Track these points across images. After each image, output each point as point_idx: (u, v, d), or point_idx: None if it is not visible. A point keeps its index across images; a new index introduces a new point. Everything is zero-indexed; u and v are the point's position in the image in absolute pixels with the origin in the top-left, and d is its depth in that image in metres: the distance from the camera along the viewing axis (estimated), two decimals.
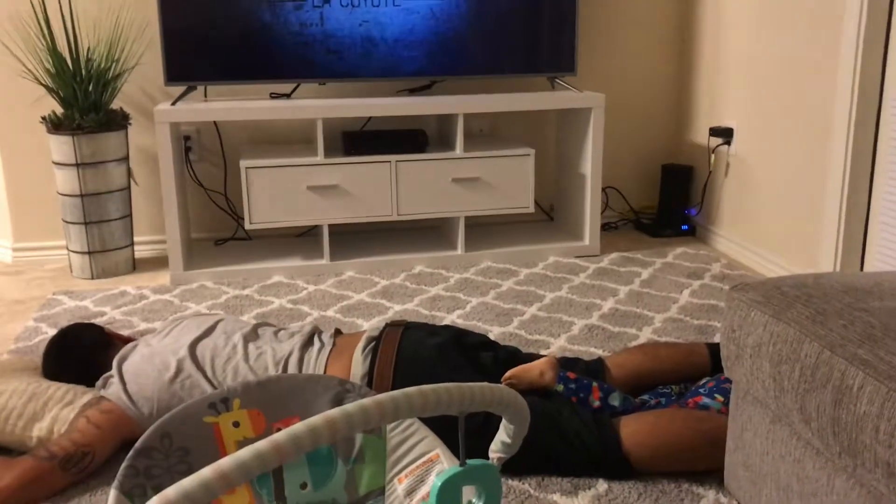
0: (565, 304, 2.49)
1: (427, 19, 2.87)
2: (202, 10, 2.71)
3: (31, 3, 2.82)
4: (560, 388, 1.63)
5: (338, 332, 1.76)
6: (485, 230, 3.26)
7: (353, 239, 3.16)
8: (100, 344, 1.80)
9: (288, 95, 3.01)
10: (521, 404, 0.80)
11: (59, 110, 2.78)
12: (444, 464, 1.10)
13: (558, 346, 2.18)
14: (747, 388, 1.26)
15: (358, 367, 1.59)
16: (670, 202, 3.31)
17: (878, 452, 0.96)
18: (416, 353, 1.60)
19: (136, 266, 2.96)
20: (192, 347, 1.64)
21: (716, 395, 1.60)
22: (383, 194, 2.83)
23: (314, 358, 1.62)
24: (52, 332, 2.29)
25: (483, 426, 1.48)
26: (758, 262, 2.85)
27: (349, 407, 0.68)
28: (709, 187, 3.21)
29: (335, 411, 0.67)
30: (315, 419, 0.66)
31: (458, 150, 2.87)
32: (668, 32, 3.38)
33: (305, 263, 2.85)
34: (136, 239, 3.03)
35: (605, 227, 3.40)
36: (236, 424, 1.10)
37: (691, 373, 1.78)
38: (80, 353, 1.79)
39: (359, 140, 2.85)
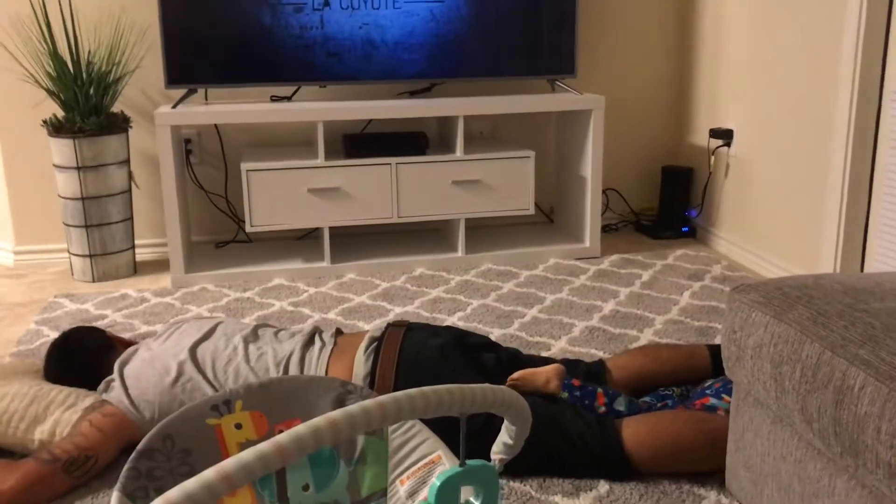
0: (566, 306, 2.50)
1: (427, 22, 2.88)
2: (203, 13, 2.72)
3: (32, 6, 2.82)
4: (565, 395, 1.63)
5: (339, 332, 1.76)
6: (485, 232, 3.26)
7: (354, 241, 3.16)
8: (102, 347, 1.81)
9: (288, 98, 3.02)
10: (523, 406, 0.80)
11: (60, 113, 2.78)
12: (446, 465, 1.10)
13: (559, 347, 2.18)
14: (748, 389, 1.26)
15: (360, 367, 1.59)
16: (670, 204, 3.31)
17: (879, 453, 0.96)
18: (419, 353, 1.61)
19: (137, 269, 2.96)
20: (193, 350, 1.65)
21: (723, 396, 1.60)
22: (384, 197, 2.84)
23: (315, 357, 1.62)
24: (54, 335, 2.29)
25: (485, 427, 1.48)
26: (758, 263, 2.86)
27: (352, 408, 0.68)
28: (709, 189, 3.21)
29: (338, 412, 0.67)
30: (317, 420, 0.66)
31: (459, 152, 2.87)
32: (667, 34, 3.38)
33: (306, 266, 2.85)
34: (137, 242, 3.04)
35: (606, 229, 3.40)
36: (238, 426, 1.10)
37: (692, 375, 1.78)
38: (81, 356, 1.79)
39: (359, 142, 2.85)
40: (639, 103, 3.43)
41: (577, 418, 1.53)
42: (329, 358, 1.62)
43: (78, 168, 2.72)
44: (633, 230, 3.43)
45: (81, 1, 2.90)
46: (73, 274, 2.87)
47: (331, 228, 2.99)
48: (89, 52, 2.84)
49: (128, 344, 1.87)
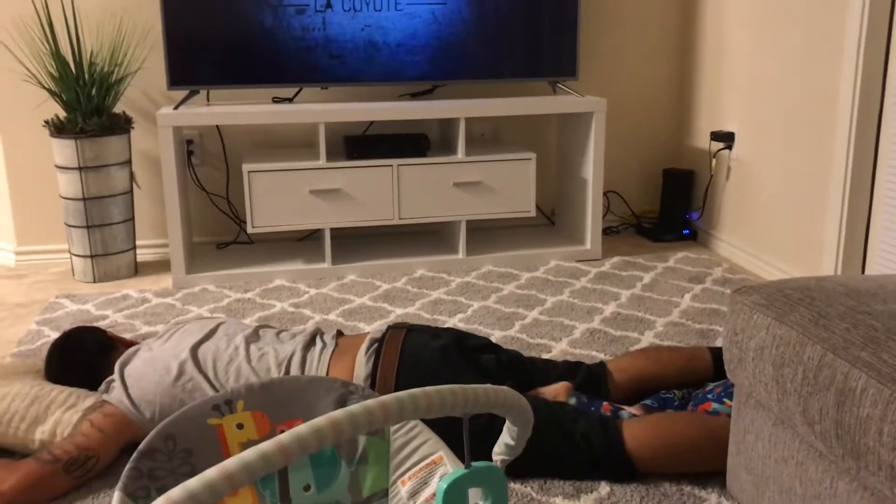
0: (567, 308, 2.49)
1: (429, 24, 2.88)
2: (205, 14, 2.72)
3: (35, 7, 2.83)
4: (573, 401, 1.63)
5: (340, 334, 1.76)
6: (486, 234, 3.26)
7: (355, 243, 3.16)
8: (103, 347, 1.81)
9: (290, 100, 3.02)
10: (525, 406, 0.80)
11: (62, 114, 2.79)
12: (448, 466, 1.10)
13: (560, 349, 2.18)
14: (750, 391, 1.26)
15: (361, 368, 1.59)
16: (672, 206, 3.31)
17: (881, 455, 0.96)
18: (420, 355, 1.61)
19: (138, 269, 2.96)
20: (194, 350, 1.65)
21: (724, 400, 1.60)
22: (385, 198, 2.84)
23: (317, 358, 1.62)
24: (55, 335, 2.29)
25: (486, 428, 1.48)
26: (759, 266, 2.85)
27: (354, 408, 0.68)
28: (710, 192, 3.21)
29: (339, 412, 0.67)
30: (319, 420, 0.66)
31: (460, 154, 2.87)
32: (669, 37, 3.39)
33: (307, 267, 2.85)
34: (138, 242, 3.04)
35: (607, 232, 3.40)
36: (240, 426, 1.10)
37: (694, 377, 1.78)
38: (83, 356, 1.79)
39: (361, 144, 2.85)
40: (640, 106, 3.43)
41: (579, 418, 1.53)
42: (330, 359, 1.63)
43: (80, 169, 2.72)
44: (634, 233, 3.43)
45: (84, 1, 2.91)
46: (74, 274, 2.87)
47: (332, 230, 2.99)
48: (91, 52, 2.85)
49: (129, 344, 1.87)
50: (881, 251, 2.34)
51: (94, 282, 2.83)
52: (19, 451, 1.63)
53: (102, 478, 1.56)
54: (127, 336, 2.28)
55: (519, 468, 1.52)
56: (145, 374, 1.62)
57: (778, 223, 2.76)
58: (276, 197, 2.76)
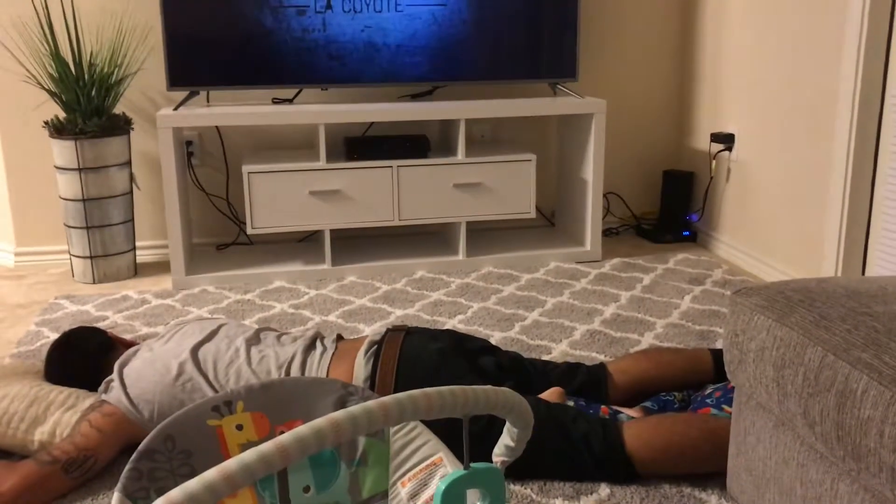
0: (567, 310, 2.49)
1: (429, 25, 2.88)
2: (205, 15, 2.72)
3: (35, 7, 2.83)
4: (571, 403, 1.63)
5: (339, 338, 1.76)
6: (486, 235, 3.26)
7: (355, 244, 3.16)
8: (103, 347, 1.81)
9: (290, 101, 3.02)
10: (525, 408, 0.80)
11: (62, 115, 2.79)
12: (448, 467, 1.10)
13: (560, 351, 2.18)
14: (750, 392, 1.26)
15: (360, 370, 1.59)
16: (671, 208, 3.31)
17: (882, 456, 0.96)
18: (419, 357, 1.60)
19: (137, 270, 2.96)
20: (195, 351, 1.64)
21: (724, 406, 1.60)
22: (385, 199, 2.84)
23: (317, 362, 1.62)
24: (54, 336, 2.29)
25: (486, 430, 1.48)
26: (759, 267, 2.85)
27: (354, 409, 0.68)
28: (710, 193, 3.21)
29: (339, 413, 0.67)
30: (319, 421, 0.66)
31: (460, 155, 2.87)
32: (669, 38, 3.39)
33: (307, 268, 2.85)
34: (137, 243, 3.04)
35: (607, 233, 3.40)
36: (240, 427, 1.10)
37: (694, 379, 1.77)
38: (83, 356, 1.79)
39: (361, 145, 2.85)
40: (640, 107, 3.43)
41: (580, 419, 1.53)
42: (330, 362, 1.63)
43: (79, 169, 2.72)
44: (634, 234, 3.43)
45: (83, 2, 2.91)
46: (73, 275, 2.87)
47: (332, 231, 2.99)
48: (91, 53, 2.85)
49: (129, 344, 1.87)
50: (881, 253, 2.34)
51: (94, 283, 2.83)
52: (18, 452, 1.63)
53: (101, 479, 1.56)
54: (127, 337, 2.27)
55: (519, 469, 1.52)
56: (145, 373, 1.62)
57: (778, 225, 2.76)
58: (276, 198, 2.76)
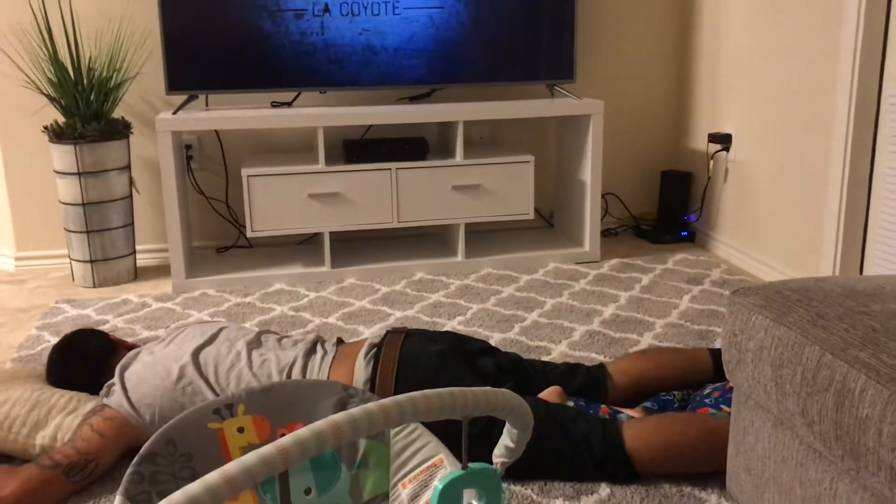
0: (566, 310, 2.50)
1: (427, 28, 2.88)
2: (203, 19, 2.72)
3: (33, 12, 2.83)
4: (570, 403, 1.63)
5: (340, 341, 1.77)
6: (485, 237, 3.27)
7: (354, 246, 3.16)
8: (105, 350, 1.81)
9: (289, 104, 3.02)
10: (525, 409, 0.80)
11: (61, 120, 2.79)
12: (448, 469, 1.10)
13: (559, 351, 2.18)
14: (749, 392, 1.26)
15: (360, 372, 1.59)
16: (670, 208, 3.32)
17: (881, 455, 0.96)
18: (418, 359, 1.61)
19: (137, 274, 2.96)
20: (196, 354, 1.65)
21: (722, 406, 1.60)
22: (384, 202, 2.84)
23: (317, 365, 1.63)
24: (55, 340, 2.29)
25: (486, 431, 1.48)
26: (757, 267, 2.86)
27: (354, 411, 0.68)
28: (708, 193, 3.21)
29: (340, 416, 0.68)
30: (320, 424, 0.67)
31: (459, 157, 2.88)
32: (666, 39, 3.39)
33: (307, 271, 2.85)
34: (137, 247, 3.04)
35: (605, 234, 3.41)
36: (241, 430, 1.11)
37: (694, 378, 1.78)
38: (85, 358, 1.79)
39: (359, 148, 2.86)
40: (638, 108, 3.44)
41: (580, 419, 1.53)
42: (330, 365, 1.63)
43: (79, 174, 2.72)
44: (632, 234, 3.43)
45: (82, 7, 2.91)
46: (73, 279, 2.87)
47: (331, 233, 2.99)
48: (90, 58, 2.85)
49: (131, 347, 1.87)
50: (879, 252, 2.34)
51: (94, 287, 2.83)
52: (20, 456, 1.63)
53: (102, 482, 1.56)
54: (128, 340, 2.27)
55: (519, 470, 1.52)
56: (145, 377, 1.62)
57: (776, 224, 2.77)
58: (276, 201, 2.76)
